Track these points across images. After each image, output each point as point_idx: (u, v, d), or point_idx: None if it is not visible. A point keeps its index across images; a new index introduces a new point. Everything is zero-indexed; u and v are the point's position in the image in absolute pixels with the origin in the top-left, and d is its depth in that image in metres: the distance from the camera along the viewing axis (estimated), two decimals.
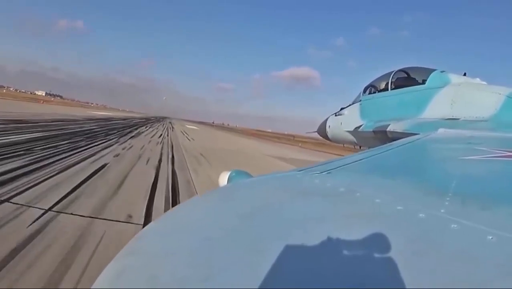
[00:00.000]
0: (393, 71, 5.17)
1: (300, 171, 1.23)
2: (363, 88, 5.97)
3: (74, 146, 11.54)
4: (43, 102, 64.22)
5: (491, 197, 0.88)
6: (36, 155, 8.77)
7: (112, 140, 15.54)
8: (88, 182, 6.81)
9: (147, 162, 10.92)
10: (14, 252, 3.50)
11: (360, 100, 5.85)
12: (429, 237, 0.64)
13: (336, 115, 6.74)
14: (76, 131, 17.25)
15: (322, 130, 7.46)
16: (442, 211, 0.74)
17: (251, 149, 28.92)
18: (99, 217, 4.94)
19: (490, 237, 0.61)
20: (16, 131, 13.04)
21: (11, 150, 8.90)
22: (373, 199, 0.85)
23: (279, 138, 79.20)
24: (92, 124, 24.74)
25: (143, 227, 0.87)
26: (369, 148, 4.76)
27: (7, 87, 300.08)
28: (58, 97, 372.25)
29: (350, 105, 6.31)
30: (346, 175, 1.25)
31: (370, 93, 5.71)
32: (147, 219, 5.17)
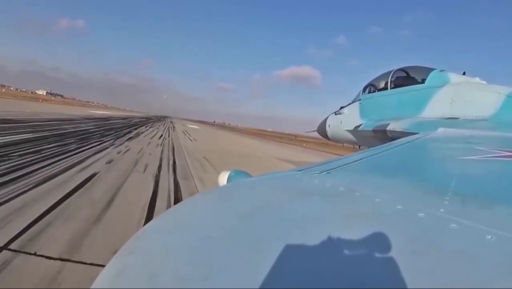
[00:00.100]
0: (392, 70, 5.07)
1: (299, 170, 1.22)
2: (362, 87, 5.83)
3: (61, 150, 10.10)
4: (42, 101, 63.17)
5: (490, 197, 0.87)
6: (8, 163, 7.31)
7: (107, 143, 14.07)
8: (67, 201, 5.37)
9: (145, 169, 9.47)
10: None
11: (360, 100, 5.72)
12: (428, 236, 0.64)
13: (335, 114, 6.62)
14: (69, 132, 15.82)
15: (322, 129, 7.36)
16: (441, 210, 0.74)
17: (255, 149, 27.55)
18: (72, 259, 3.52)
19: (490, 237, 0.60)
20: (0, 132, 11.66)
21: None
22: (373, 199, 0.84)
23: (280, 138, 78.49)
24: (88, 124, 23.26)
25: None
26: (368, 147, 4.74)
27: (8, 86, 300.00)
28: (59, 97, 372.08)
29: (349, 104, 6.17)
30: (345, 174, 1.24)
31: (369, 92, 5.60)
32: None
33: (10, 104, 31.13)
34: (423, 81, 4.44)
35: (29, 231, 4.00)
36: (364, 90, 5.81)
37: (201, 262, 0.59)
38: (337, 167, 1.29)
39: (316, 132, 7.94)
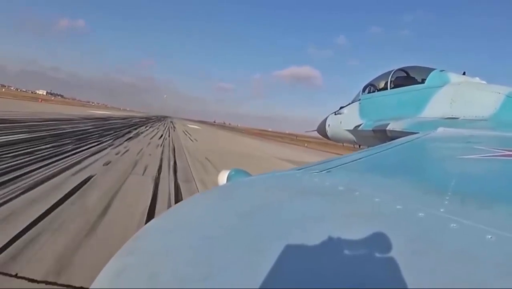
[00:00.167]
0: (392, 70, 5.06)
1: (299, 169, 1.22)
2: (362, 87, 5.83)
3: (57, 151, 9.65)
4: (41, 101, 62.84)
5: (490, 196, 0.87)
6: (1, 164, 6.88)
7: (105, 143, 13.59)
8: (58, 209, 4.89)
9: (144, 171, 9.01)
10: None
11: (360, 99, 5.72)
12: (428, 236, 0.64)
13: (335, 114, 6.60)
14: (66, 132, 15.36)
15: (321, 129, 7.34)
16: (441, 210, 0.74)
17: (256, 149, 27.11)
18: (59, 282, 3.04)
19: (489, 236, 0.60)
20: None
21: None
22: (373, 198, 0.84)
23: (282, 138, 78.33)
24: (87, 124, 22.79)
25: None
26: (368, 146, 4.69)
27: (8, 86, 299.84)
28: (59, 97, 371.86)
29: (349, 104, 6.16)
30: (345, 173, 1.24)
31: (369, 92, 5.58)
32: None
33: (8, 104, 30.67)
34: (423, 81, 4.41)
35: (11, 246, 3.53)
36: (363, 90, 5.77)
37: (201, 262, 0.59)
38: (336, 166, 1.28)
39: (316, 132, 7.91)
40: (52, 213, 4.69)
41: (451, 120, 3.52)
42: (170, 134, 26.65)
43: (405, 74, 4.99)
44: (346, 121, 6.03)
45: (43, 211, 4.69)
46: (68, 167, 7.77)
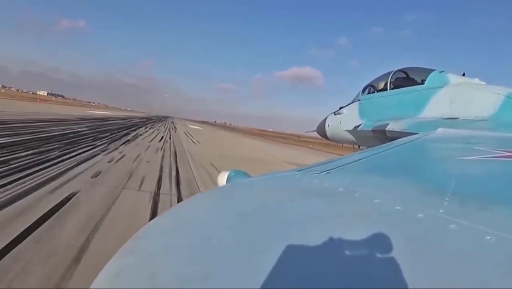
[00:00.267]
0: (392, 71, 5.07)
1: (299, 170, 1.22)
2: (362, 88, 5.83)
3: (38, 159, 8.11)
4: (40, 102, 61.67)
5: (489, 197, 0.87)
6: None
7: (99, 148, 12.08)
8: (20, 246, 3.42)
9: (141, 184, 7.48)
10: None
11: (359, 100, 5.72)
12: (428, 237, 0.63)
13: (335, 115, 6.57)
14: (56, 135, 13.83)
15: (321, 129, 7.30)
16: (441, 211, 0.73)
17: (262, 152, 25.63)
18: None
19: (489, 237, 0.60)
20: None
21: None
22: (372, 199, 0.84)
23: (285, 138, 77.47)
24: (82, 126, 21.28)
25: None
26: (368, 147, 4.71)
27: (9, 87, 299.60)
28: (60, 97, 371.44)
29: (349, 104, 6.15)
30: (345, 174, 1.24)
31: (369, 93, 5.59)
32: None
33: (3, 105, 29.18)
34: (422, 82, 4.41)
35: None
36: (363, 91, 5.74)
37: (201, 262, 0.58)
38: (336, 167, 1.27)
39: (315, 132, 7.86)
40: (12, 252, 3.29)
41: (451, 121, 3.51)
42: (171, 136, 25.16)
43: (405, 75, 4.95)
44: (346, 121, 5.98)
45: None
46: (45, 182, 6.21)
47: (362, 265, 0.55)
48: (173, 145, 18.51)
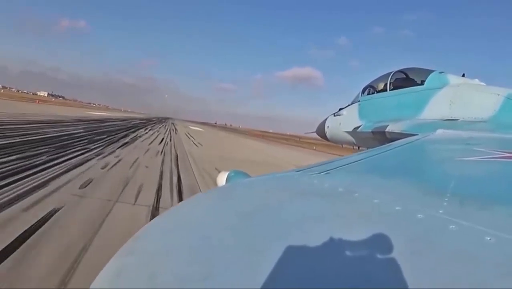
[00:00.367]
0: (391, 72, 5.04)
1: (298, 171, 1.21)
2: (361, 88, 5.81)
3: (23, 165, 7.11)
4: (39, 102, 60.80)
5: (489, 198, 0.87)
6: None
7: (93, 152, 11.09)
8: None
9: (137, 196, 6.49)
10: None
11: (359, 101, 5.69)
12: (427, 237, 0.63)
13: (334, 116, 6.56)
14: (48, 137, 12.84)
15: (321, 130, 7.27)
16: (440, 211, 0.73)
17: (266, 154, 24.54)
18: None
19: (488, 238, 0.60)
20: None
21: None
22: (372, 200, 0.84)
23: (287, 139, 76.49)
24: (78, 127, 20.28)
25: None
26: (367, 148, 4.66)
27: (9, 88, 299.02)
28: (60, 98, 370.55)
29: (348, 105, 6.13)
30: (344, 175, 1.23)
31: (368, 93, 5.56)
32: None
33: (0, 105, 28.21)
34: (422, 83, 4.39)
35: None
36: (363, 91, 5.71)
37: (201, 262, 0.58)
38: (336, 168, 1.27)
39: (315, 133, 7.82)
40: None
41: (451, 122, 3.49)
42: (172, 139, 24.16)
43: (404, 76, 4.92)
44: (345, 122, 5.94)
45: None
46: (21, 195, 5.21)
47: (362, 265, 0.55)
48: (174, 148, 17.51)
